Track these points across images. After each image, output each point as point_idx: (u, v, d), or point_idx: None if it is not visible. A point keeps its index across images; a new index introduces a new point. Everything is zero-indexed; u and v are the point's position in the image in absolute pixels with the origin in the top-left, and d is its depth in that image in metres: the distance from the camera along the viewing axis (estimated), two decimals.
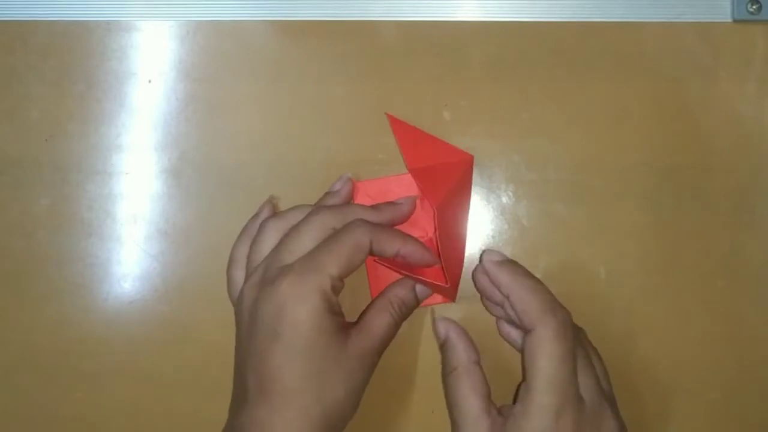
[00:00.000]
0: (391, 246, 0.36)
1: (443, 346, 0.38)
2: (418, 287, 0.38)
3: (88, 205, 0.42)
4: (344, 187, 0.40)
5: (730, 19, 0.42)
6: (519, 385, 0.35)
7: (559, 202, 0.41)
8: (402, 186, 0.40)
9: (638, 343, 0.41)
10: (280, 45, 0.42)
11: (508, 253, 0.40)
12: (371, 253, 0.36)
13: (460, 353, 0.37)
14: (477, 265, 0.38)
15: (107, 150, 0.42)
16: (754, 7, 0.41)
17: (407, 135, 0.40)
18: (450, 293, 0.39)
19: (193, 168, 0.42)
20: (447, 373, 0.37)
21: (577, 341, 0.35)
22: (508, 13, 0.42)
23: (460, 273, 0.40)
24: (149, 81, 0.42)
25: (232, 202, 0.41)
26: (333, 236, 0.35)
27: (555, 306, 0.35)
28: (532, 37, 0.42)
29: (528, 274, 0.36)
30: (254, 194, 0.41)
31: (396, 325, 0.37)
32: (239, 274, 0.38)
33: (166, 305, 0.41)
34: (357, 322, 0.36)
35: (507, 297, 0.36)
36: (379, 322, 0.36)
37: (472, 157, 0.41)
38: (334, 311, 0.35)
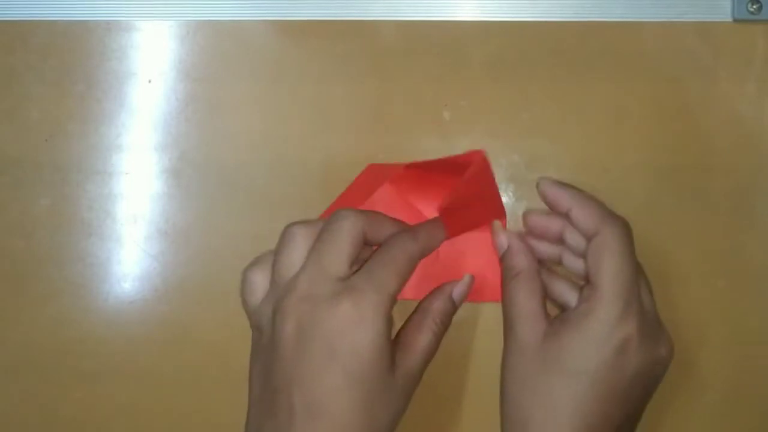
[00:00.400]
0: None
1: (506, 254, 0.38)
2: (455, 291, 0.38)
3: (88, 205, 0.42)
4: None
5: (730, 19, 0.42)
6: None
7: None
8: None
9: None
10: (280, 45, 0.42)
11: None
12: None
13: (523, 259, 0.37)
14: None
15: (107, 150, 0.42)
16: (754, 6, 0.41)
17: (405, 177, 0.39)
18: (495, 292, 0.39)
19: (193, 168, 0.42)
20: (510, 277, 0.37)
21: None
22: (508, 13, 0.42)
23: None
24: (149, 81, 0.42)
25: (232, 202, 0.41)
26: (383, 249, 0.34)
27: (614, 213, 0.36)
28: (532, 37, 0.42)
29: (583, 190, 0.37)
30: (254, 194, 0.41)
31: (438, 341, 0.36)
32: (260, 279, 0.36)
33: (166, 305, 0.41)
34: (398, 342, 0.35)
35: (568, 211, 0.36)
36: (422, 340, 0.35)
37: (482, 153, 0.40)
38: (390, 334, 0.34)
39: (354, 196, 0.39)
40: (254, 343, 0.36)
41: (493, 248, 0.39)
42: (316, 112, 0.42)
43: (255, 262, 0.37)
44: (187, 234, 0.41)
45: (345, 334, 0.32)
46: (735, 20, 0.41)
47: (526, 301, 0.36)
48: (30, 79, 0.42)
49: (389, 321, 0.33)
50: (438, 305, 0.37)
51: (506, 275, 0.37)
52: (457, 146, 0.41)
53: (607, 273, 0.34)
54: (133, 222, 0.42)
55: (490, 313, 0.41)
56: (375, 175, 0.40)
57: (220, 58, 0.42)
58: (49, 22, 0.42)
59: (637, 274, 0.35)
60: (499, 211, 0.40)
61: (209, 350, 0.41)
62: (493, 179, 0.40)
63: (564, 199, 0.37)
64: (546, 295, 0.37)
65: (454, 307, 0.38)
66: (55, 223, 0.42)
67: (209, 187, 0.42)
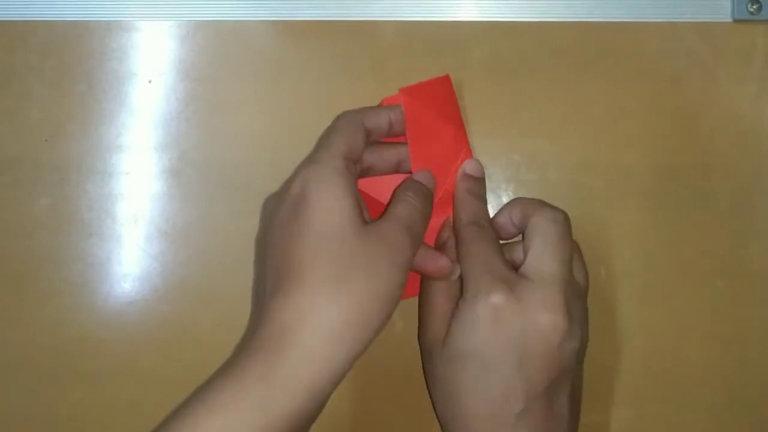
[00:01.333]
0: (380, 116, 0.38)
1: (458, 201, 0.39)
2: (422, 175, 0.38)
3: (88, 205, 0.42)
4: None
5: (730, 19, 0.42)
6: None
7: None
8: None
9: (638, 343, 0.41)
10: (281, 45, 0.42)
11: None
12: (367, 131, 0.37)
13: (443, 261, 0.37)
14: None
15: (107, 150, 0.42)
16: (754, 7, 0.41)
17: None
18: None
19: (193, 168, 0.42)
20: (463, 225, 0.38)
21: (548, 221, 0.36)
22: (508, 13, 0.42)
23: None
24: (149, 81, 0.42)
25: (232, 202, 0.41)
26: (330, 127, 0.36)
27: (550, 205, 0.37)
28: (531, 37, 0.42)
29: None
30: (254, 194, 0.41)
31: (419, 211, 0.35)
32: None
33: (166, 305, 0.41)
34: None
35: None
36: (396, 207, 0.35)
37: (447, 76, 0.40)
38: (355, 194, 0.34)
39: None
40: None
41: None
42: (316, 112, 0.42)
43: None
44: (187, 234, 0.41)
45: (307, 193, 0.33)
46: (735, 20, 0.41)
47: (439, 304, 0.37)
48: (30, 79, 0.42)
49: (345, 174, 0.34)
50: (407, 184, 0.37)
51: (459, 223, 0.38)
52: None
53: (537, 249, 0.35)
54: (133, 222, 0.42)
55: None
56: None
57: (220, 59, 0.42)
58: (50, 22, 0.42)
59: (572, 249, 0.36)
60: (462, 144, 0.39)
61: (209, 350, 0.41)
62: (457, 104, 0.40)
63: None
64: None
65: (425, 188, 0.37)
66: (55, 223, 0.42)
67: (209, 187, 0.42)
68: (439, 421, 0.36)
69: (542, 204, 0.37)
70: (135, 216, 0.42)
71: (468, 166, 0.39)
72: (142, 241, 0.41)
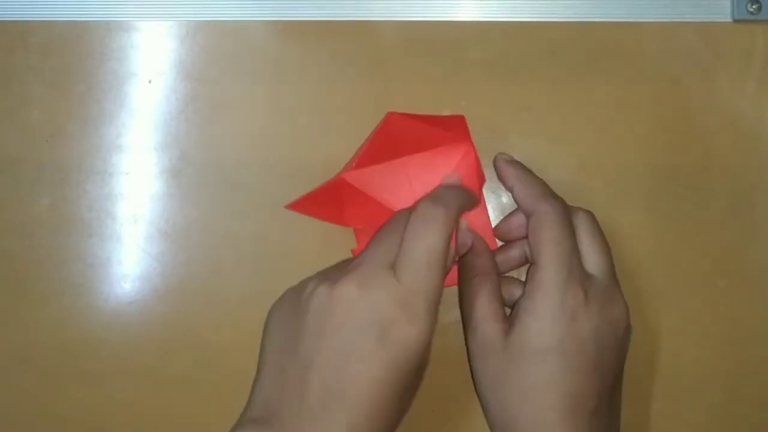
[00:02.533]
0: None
1: (469, 253, 0.38)
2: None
3: (88, 206, 0.42)
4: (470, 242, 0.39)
5: (730, 19, 0.42)
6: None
7: None
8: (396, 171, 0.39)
9: (638, 343, 0.41)
10: (280, 45, 0.42)
11: None
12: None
13: (486, 260, 0.38)
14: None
15: (107, 150, 0.42)
16: (754, 7, 0.41)
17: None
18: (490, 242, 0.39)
19: (193, 168, 0.42)
20: (470, 277, 0.37)
21: (587, 220, 0.37)
22: (508, 13, 0.42)
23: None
24: (149, 81, 0.42)
25: (232, 202, 0.41)
26: (420, 237, 0.33)
27: (552, 193, 0.38)
28: (532, 37, 0.42)
29: (530, 171, 0.39)
30: (254, 194, 0.41)
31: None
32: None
33: (166, 305, 0.41)
34: None
35: (512, 188, 0.38)
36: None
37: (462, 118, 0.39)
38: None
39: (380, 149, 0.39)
40: (281, 300, 0.35)
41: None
42: (316, 112, 0.42)
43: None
44: (188, 234, 0.41)
45: (397, 327, 0.31)
46: (735, 20, 0.41)
47: (489, 303, 0.37)
48: (30, 79, 0.42)
49: (436, 315, 0.33)
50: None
51: (466, 274, 0.38)
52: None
53: (545, 245, 0.35)
54: (134, 222, 0.42)
55: None
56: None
57: (220, 59, 0.42)
58: (50, 22, 0.42)
59: (575, 244, 0.36)
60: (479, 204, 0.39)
61: (209, 350, 0.41)
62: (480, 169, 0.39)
63: (509, 177, 0.39)
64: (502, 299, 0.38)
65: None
66: (56, 223, 0.42)
67: (209, 187, 0.42)
68: (493, 421, 0.36)
69: (569, 206, 0.38)
70: (135, 216, 0.42)
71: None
72: (143, 241, 0.41)
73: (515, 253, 0.39)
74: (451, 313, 0.41)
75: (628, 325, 0.36)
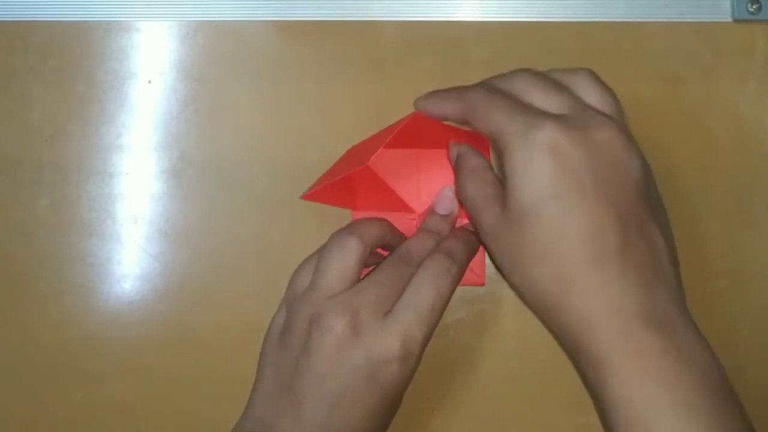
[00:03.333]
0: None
1: (458, 159, 0.37)
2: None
3: (88, 206, 0.42)
4: (455, 210, 0.39)
5: (730, 19, 0.42)
6: None
7: None
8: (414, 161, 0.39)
9: None
10: (280, 45, 0.42)
11: None
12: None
13: (474, 157, 0.36)
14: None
15: (107, 150, 0.42)
16: (754, 6, 0.41)
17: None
18: (477, 275, 0.40)
19: (193, 168, 0.42)
20: (464, 174, 0.36)
21: (583, 76, 0.34)
22: (508, 13, 0.42)
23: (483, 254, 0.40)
24: (149, 81, 0.42)
25: (233, 202, 0.41)
26: (424, 280, 0.35)
27: (469, 87, 0.36)
28: (532, 37, 0.42)
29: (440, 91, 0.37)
30: (254, 194, 0.41)
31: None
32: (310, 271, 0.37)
33: (166, 305, 0.41)
34: None
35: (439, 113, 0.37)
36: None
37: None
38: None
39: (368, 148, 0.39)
40: (278, 327, 0.36)
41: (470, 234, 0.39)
42: (316, 112, 0.42)
43: (316, 253, 0.37)
44: (188, 234, 0.41)
45: (389, 369, 0.33)
46: (735, 20, 0.41)
47: (480, 190, 0.35)
48: (30, 79, 0.42)
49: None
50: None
51: (460, 175, 0.37)
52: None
53: (490, 115, 0.33)
54: (134, 222, 0.42)
55: (489, 315, 0.41)
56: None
57: (220, 59, 0.42)
58: (50, 22, 0.42)
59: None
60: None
61: (209, 350, 0.41)
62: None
63: (433, 105, 0.37)
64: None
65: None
66: (56, 223, 0.42)
67: (209, 187, 0.42)
68: (531, 303, 0.33)
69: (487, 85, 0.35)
70: (135, 216, 0.42)
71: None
72: (143, 241, 0.41)
73: None
74: (451, 313, 0.41)
75: (627, 146, 0.32)
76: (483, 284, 0.40)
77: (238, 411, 0.37)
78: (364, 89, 0.42)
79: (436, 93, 0.37)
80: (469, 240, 0.37)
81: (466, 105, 0.35)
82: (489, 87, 0.35)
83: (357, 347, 0.33)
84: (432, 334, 0.35)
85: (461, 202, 0.37)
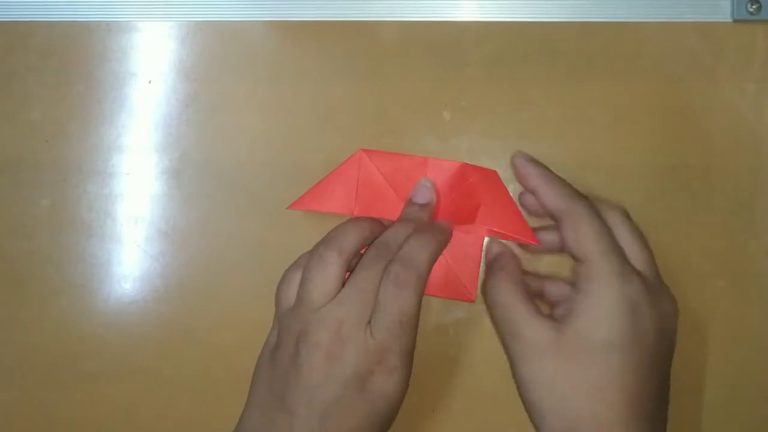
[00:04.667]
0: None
1: (498, 258, 0.39)
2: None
3: (88, 206, 0.42)
4: (432, 199, 0.39)
5: (730, 19, 0.42)
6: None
7: None
8: (416, 167, 0.40)
9: None
10: (280, 45, 0.42)
11: None
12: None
13: (514, 265, 0.38)
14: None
15: (108, 151, 0.42)
16: (753, 7, 0.41)
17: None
18: (469, 292, 0.40)
19: (193, 168, 0.42)
20: (497, 283, 0.37)
21: (623, 216, 0.37)
22: (508, 13, 0.42)
23: (477, 271, 0.40)
24: (149, 82, 0.42)
25: (233, 203, 0.41)
26: (400, 287, 0.35)
27: (579, 192, 0.38)
28: (531, 37, 0.42)
29: (551, 170, 0.39)
30: (254, 194, 0.41)
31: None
32: (297, 282, 0.37)
33: (166, 306, 0.41)
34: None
35: (535, 189, 0.38)
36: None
37: (494, 172, 0.40)
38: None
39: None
40: (272, 344, 0.37)
41: (467, 249, 0.39)
42: (316, 112, 0.42)
43: (297, 264, 0.38)
44: (188, 234, 0.41)
45: (375, 380, 0.34)
46: (734, 20, 0.41)
47: (526, 303, 0.36)
48: (30, 79, 0.42)
49: (412, 363, 0.35)
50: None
51: (494, 279, 0.38)
52: (457, 146, 0.41)
53: (591, 240, 0.35)
54: (134, 223, 0.42)
55: (488, 315, 0.41)
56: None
57: (220, 59, 0.42)
58: (50, 23, 0.42)
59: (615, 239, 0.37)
60: (524, 231, 0.38)
61: (209, 351, 0.41)
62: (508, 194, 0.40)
63: (532, 177, 0.38)
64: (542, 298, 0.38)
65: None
66: (56, 223, 0.42)
67: (209, 187, 0.42)
68: (549, 426, 0.34)
69: (594, 206, 0.37)
70: (135, 217, 0.42)
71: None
72: (143, 241, 0.41)
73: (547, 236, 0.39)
74: (451, 314, 0.41)
75: (677, 316, 0.36)
76: (473, 301, 0.40)
77: (237, 411, 0.37)
78: (364, 89, 0.42)
79: (547, 170, 0.39)
80: (433, 238, 0.37)
81: (569, 209, 0.37)
82: (592, 205, 0.37)
83: (344, 359, 0.34)
84: (412, 342, 0.35)
85: (486, 297, 0.38)
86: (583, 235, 0.35)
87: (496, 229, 0.37)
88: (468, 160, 0.41)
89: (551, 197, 0.37)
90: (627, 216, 0.38)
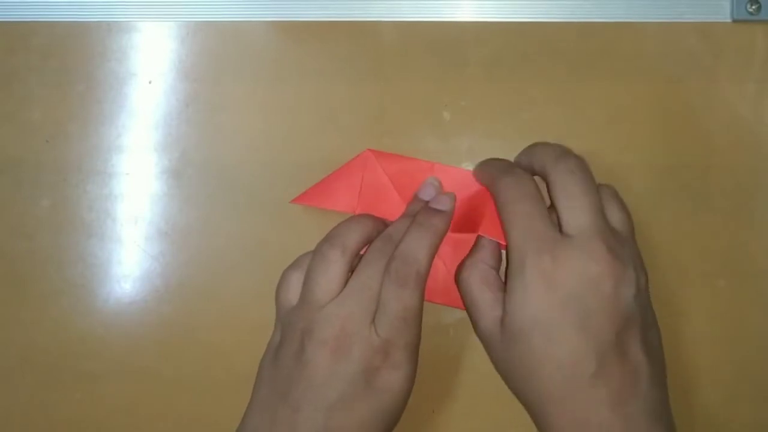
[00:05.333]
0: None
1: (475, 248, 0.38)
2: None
3: (88, 206, 0.42)
4: (450, 203, 0.39)
5: (729, 19, 0.42)
6: None
7: None
8: (421, 171, 0.40)
9: None
10: (280, 45, 0.42)
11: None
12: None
13: (484, 254, 0.37)
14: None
15: (108, 151, 0.42)
16: (753, 7, 0.41)
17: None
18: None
19: (193, 169, 0.42)
20: (468, 266, 0.37)
21: (565, 176, 0.36)
22: (508, 14, 0.42)
23: None
24: (149, 82, 0.42)
25: (233, 203, 0.41)
26: (403, 284, 0.35)
27: (517, 167, 0.38)
28: (531, 37, 0.42)
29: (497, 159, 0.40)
30: (254, 194, 0.41)
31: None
32: (296, 281, 0.37)
33: (166, 306, 0.41)
34: None
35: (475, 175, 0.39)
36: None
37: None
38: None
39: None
40: (275, 345, 0.37)
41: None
42: (316, 112, 0.42)
43: (296, 264, 0.38)
44: (188, 234, 0.41)
45: (381, 375, 0.34)
46: (734, 20, 0.41)
47: (481, 294, 0.36)
48: (30, 80, 0.42)
49: (417, 359, 0.36)
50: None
51: (465, 266, 0.37)
52: (457, 146, 0.41)
53: (503, 216, 0.36)
54: (134, 223, 0.42)
55: None
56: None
57: (220, 59, 0.42)
58: (50, 23, 0.42)
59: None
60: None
61: (209, 351, 0.41)
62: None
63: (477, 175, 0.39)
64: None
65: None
66: (56, 223, 0.42)
67: (209, 187, 0.42)
68: (524, 404, 0.36)
69: (556, 156, 0.36)
70: (135, 217, 0.42)
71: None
72: (143, 241, 0.41)
73: None
74: (451, 314, 0.41)
75: (618, 279, 0.33)
76: None
77: (238, 411, 0.37)
78: (364, 89, 0.42)
79: (489, 162, 0.39)
80: (430, 229, 0.37)
81: (495, 191, 0.37)
82: (519, 175, 0.36)
83: (350, 356, 0.34)
84: (416, 337, 0.35)
85: (457, 284, 0.38)
86: (504, 217, 0.35)
87: (498, 240, 0.37)
88: (468, 160, 0.41)
89: (480, 177, 0.39)
90: (573, 171, 0.36)
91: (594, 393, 0.33)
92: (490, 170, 0.38)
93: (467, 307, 0.37)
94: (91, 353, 0.41)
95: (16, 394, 0.41)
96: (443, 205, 0.38)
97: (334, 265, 0.36)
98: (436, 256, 0.37)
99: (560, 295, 0.33)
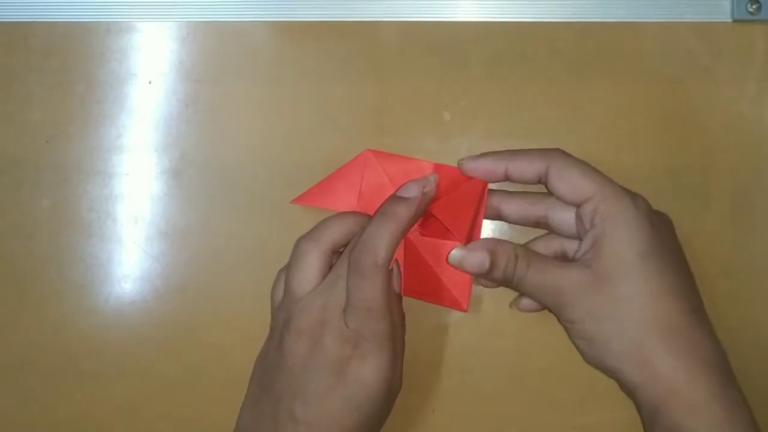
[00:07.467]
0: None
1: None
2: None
3: (88, 206, 0.42)
4: (426, 195, 0.38)
5: (729, 19, 0.42)
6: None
7: None
8: (421, 171, 0.40)
9: None
10: (280, 46, 0.42)
11: None
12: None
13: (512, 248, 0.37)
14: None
15: (108, 151, 0.42)
16: (753, 6, 0.41)
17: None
18: (460, 303, 0.39)
19: (193, 169, 0.42)
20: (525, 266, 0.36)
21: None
22: (508, 14, 0.42)
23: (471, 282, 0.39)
24: (149, 82, 0.42)
25: (232, 203, 0.41)
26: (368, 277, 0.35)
27: (543, 148, 0.38)
28: (531, 37, 0.42)
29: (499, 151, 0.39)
30: (254, 194, 0.41)
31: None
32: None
33: (166, 306, 0.41)
34: None
35: (507, 174, 0.38)
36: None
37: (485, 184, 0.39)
38: (395, 361, 0.37)
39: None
40: (267, 341, 0.38)
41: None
42: (316, 112, 0.42)
43: (288, 264, 0.38)
44: (188, 235, 0.42)
45: (351, 365, 0.34)
46: (734, 20, 0.41)
47: (549, 263, 0.36)
48: (31, 80, 0.42)
49: (393, 350, 0.35)
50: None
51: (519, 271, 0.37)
52: (457, 146, 0.41)
53: (584, 178, 0.36)
54: (134, 223, 0.42)
55: (489, 315, 0.41)
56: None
57: (220, 59, 0.42)
58: (50, 23, 0.42)
59: None
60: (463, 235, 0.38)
61: (209, 351, 0.41)
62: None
63: (494, 164, 0.38)
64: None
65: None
66: (56, 224, 0.42)
67: (209, 187, 0.42)
68: (613, 356, 0.35)
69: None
70: (135, 217, 0.42)
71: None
72: (143, 241, 0.42)
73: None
74: (451, 314, 0.41)
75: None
76: (465, 311, 0.39)
77: (237, 411, 0.37)
78: (364, 89, 0.42)
79: (502, 153, 0.38)
80: (390, 217, 0.36)
81: (549, 163, 0.37)
82: (562, 150, 0.37)
83: (322, 346, 0.35)
84: (387, 327, 0.35)
85: (521, 290, 0.37)
86: (574, 178, 0.36)
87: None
88: None
89: (525, 165, 0.37)
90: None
91: (705, 325, 0.36)
92: (530, 152, 0.38)
93: (542, 290, 0.36)
94: (91, 353, 0.41)
95: (17, 393, 0.41)
96: (409, 192, 0.37)
97: (307, 257, 0.36)
98: (425, 254, 0.38)
99: (662, 230, 0.36)
